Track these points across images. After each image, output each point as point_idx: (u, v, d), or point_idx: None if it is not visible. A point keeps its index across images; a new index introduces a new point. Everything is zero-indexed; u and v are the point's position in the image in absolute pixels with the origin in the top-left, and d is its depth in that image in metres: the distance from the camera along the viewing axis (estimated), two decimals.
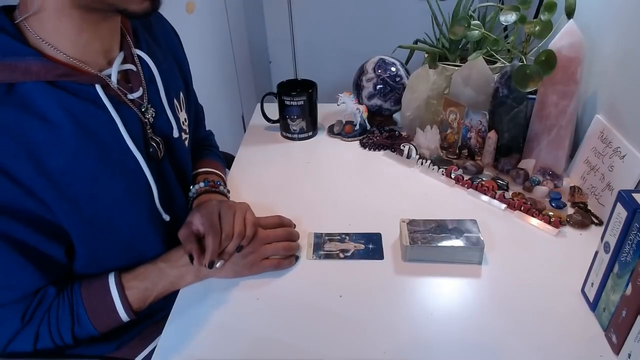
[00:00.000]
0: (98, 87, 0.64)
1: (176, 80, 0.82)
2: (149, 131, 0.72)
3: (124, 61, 0.69)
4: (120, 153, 0.67)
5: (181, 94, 0.82)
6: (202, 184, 0.86)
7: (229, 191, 0.90)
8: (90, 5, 0.60)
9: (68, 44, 0.61)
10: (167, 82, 0.76)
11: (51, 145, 0.60)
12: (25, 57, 0.58)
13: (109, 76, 0.66)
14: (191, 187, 0.86)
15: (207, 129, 1.05)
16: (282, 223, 0.82)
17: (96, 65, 0.65)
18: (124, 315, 0.69)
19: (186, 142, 0.83)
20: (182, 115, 0.82)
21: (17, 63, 0.58)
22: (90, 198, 0.65)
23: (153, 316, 0.79)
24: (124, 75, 0.70)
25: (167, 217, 0.76)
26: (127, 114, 0.68)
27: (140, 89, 0.71)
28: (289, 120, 1.14)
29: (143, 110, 0.71)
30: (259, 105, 1.23)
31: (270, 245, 0.76)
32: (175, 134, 0.77)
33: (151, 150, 0.72)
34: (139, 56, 0.72)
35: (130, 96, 0.69)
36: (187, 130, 0.84)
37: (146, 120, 0.72)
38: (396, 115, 1.21)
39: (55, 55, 0.61)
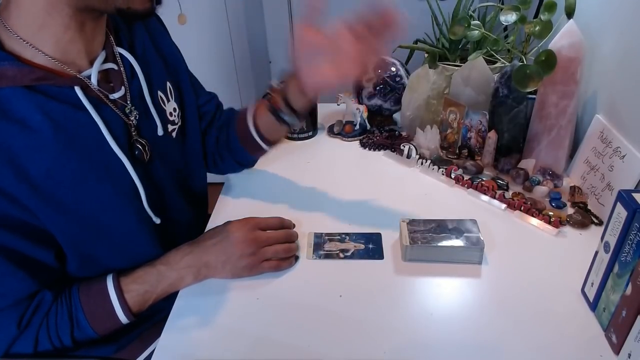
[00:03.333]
0: (77, 89, 0.63)
1: (160, 71, 0.79)
2: (133, 133, 0.70)
3: (105, 60, 0.68)
4: (103, 156, 0.66)
5: (168, 84, 0.80)
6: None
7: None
8: (92, 6, 0.59)
9: (51, 42, 0.60)
10: (150, 76, 0.74)
11: (32, 151, 0.59)
12: (0, 62, 0.57)
13: (89, 77, 0.65)
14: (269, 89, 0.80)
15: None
16: (283, 225, 0.82)
17: (76, 66, 0.64)
18: (123, 319, 0.69)
19: (174, 134, 0.80)
20: (170, 106, 0.79)
21: None
22: (75, 202, 0.64)
23: (153, 317, 0.79)
24: (105, 75, 0.68)
25: (157, 220, 0.75)
26: (109, 116, 0.66)
27: (122, 88, 0.69)
28: None
29: (127, 111, 0.70)
30: None
31: (270, 247, 0.76)
32: (160, 131, 0.75)
33: (137, 152, 0.70)
34: (120, 54, 0.70)
35: (112, 96, 0.68)
36: (177, 120, 0.81)
37: (130, 122, 0.70)
38: (396, 115, 1.21)
39: (33, 57, 0.60)
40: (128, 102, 0.70)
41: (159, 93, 0.77)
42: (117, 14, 0.61)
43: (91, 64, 0.65)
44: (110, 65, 0.68)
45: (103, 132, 0.65)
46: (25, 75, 0.58)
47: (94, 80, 0.65)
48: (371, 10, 0.65)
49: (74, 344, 0.68)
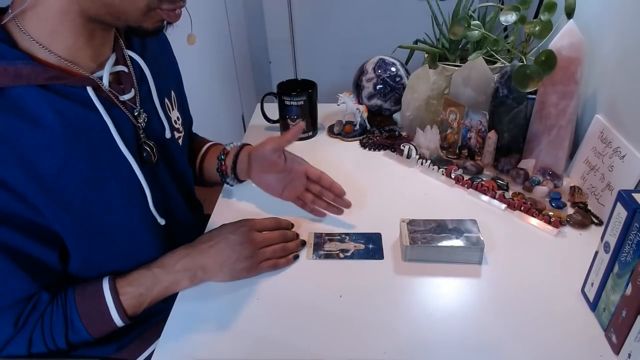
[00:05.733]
0: (89, 89, 0.63)
1: (167, 79, 0.81)
2: (142, 135, 0.71)
3: (116, 63, 0.68)
4: (112, 156, 0.66)
5: (172, 93, 0.82)
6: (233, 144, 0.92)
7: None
8: (103, 20, 0.60)
9: (62, 46, 0.61)
10: (158, 82, 0.75)
11: (43, 150, 0.59)
12: (15, 61, 0.58)
13: (101, 78, 0.65)
14: (223, 149, 0.91)
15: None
16: (280, 226, 0.82)
17: (87, 67, 0.64)
18: (118, 321, 0.68)
19: (180, 141, 0.82)
20: (174, 114, 0.81)
21: (7, 67, 0.57)
22: (82, 202, 0.64)
23: (153, 318, 0.79)
24: (116, 76, 0.69)
25: (162, 221, 0.75)
26: (119, 117, 0.67)
27: (132, 90, 0.70)
28: (289, 120, 1.14)
29: (136, 114, 0.70)
30: (259, 105, 1.23)
31: (267, 248, 0.76)
32: (168, 134, 0.77)
33: (145, 154, 0.71)
34: (130, 57, 0.71)
35: (122, 98, 0.68)
36: (181, 129, 0.83)
37: (139, 124, 0.71)
38: (396, 115, 1.21)
39: (46, 57, 0.60)
40: (137, 104, 0.71)
41: (165, 100, 0.78)
42: (127, 30, 0.62)
43: (100, 66, 0.66)
44: (120, 67, 0.69)
45: (112, 132, 0.65)
46: (39, 74, 0.59)
47: (105, 81, 0.66)
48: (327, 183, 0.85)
49: (68, 347, 0.68)
